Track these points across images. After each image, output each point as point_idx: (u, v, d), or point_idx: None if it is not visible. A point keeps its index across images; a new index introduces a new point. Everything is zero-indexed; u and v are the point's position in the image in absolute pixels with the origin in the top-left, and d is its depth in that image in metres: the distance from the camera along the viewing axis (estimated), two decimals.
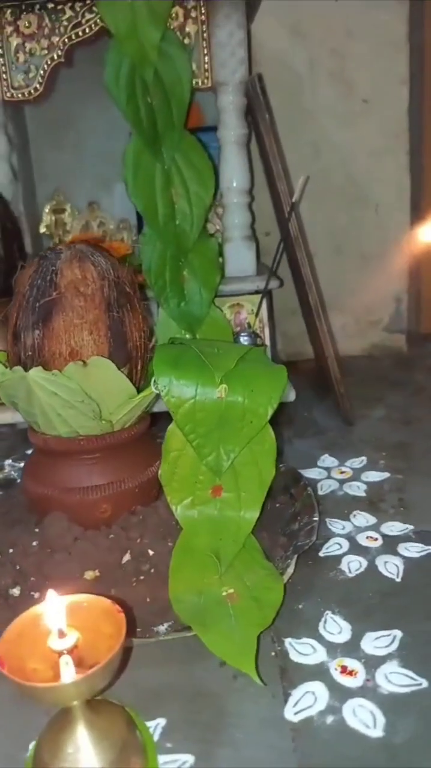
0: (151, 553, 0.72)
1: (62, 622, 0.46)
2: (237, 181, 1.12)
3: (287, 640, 0.63)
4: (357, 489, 0.92)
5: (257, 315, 1.09)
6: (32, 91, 1.07)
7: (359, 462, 1.01)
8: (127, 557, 0.71)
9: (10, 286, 1.01)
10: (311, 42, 1.33)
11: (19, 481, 0.98)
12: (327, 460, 1.02)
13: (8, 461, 1.02)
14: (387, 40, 1.34)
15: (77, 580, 0.69)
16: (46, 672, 0.47)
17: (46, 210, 1.37)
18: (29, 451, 1.03)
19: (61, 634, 0.46)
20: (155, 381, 0.72)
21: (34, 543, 0.73)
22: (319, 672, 0.59)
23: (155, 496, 0.80)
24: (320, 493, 0.92)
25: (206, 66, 1.06)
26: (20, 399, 0.72)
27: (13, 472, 1.00)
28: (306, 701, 0.56)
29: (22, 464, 1.01)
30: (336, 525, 0.84)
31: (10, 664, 0.45)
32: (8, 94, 1.07)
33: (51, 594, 0.48)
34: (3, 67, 1.06)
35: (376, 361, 1.50)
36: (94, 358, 0.68)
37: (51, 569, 0.70)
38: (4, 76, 1.06)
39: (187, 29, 1.05)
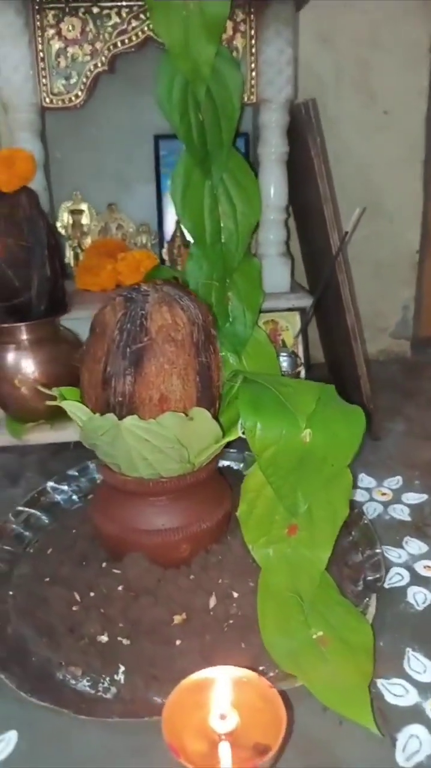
0: (235, 594, 0.74)
1: (227, 703, 0.48)
2: (275, 197, 1.12)
3: (380, 681, 0.67)
4: (401, 512, 0.97)
5: (298, 335, 1.10)
6: (73, 98, 1.03)
7: (395, 482, 1.05)
8: (213, 600, 0.73)
9: (56, 302, 1.00)
10: (337, 50, 1.32)
11: (62, 503, 0.97)
12: (365, 479, 1.06)
13: (50, 483, 1.01)
14: (409, 52, 1.34)
15: (167, 626, 0.70)
16: (201, 745, 0.49)
17: (64, 210, 1.32)
18: (71, 471, 1.02)
19: (223, 716, 0.47)
20: (241, 424, 0.73)
21: (120, 587, 0.74)
22: (416, 713, 0.63)
23: (225, 531, 0.81)
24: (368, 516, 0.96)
25: (251, 82, 1.04)
26: (104, 443, 0.72)
27: (56, 496, 0.99)
28: (413, 746, 0.60)
29: (65, 487, 1.00)
30: (392, 553, 0.87)
31: (171, 736, 0.47)
32: (47, 100, 1.02)
33: (219, 670, 0.49)
34: (43, 72, 1.00)
35: (383, 366, 1.54)
36: (195, 410, 0.68)
37: (138, 614, 0.71)
38: (44, 81, 1.01)
39: (235, 43, 1.03)
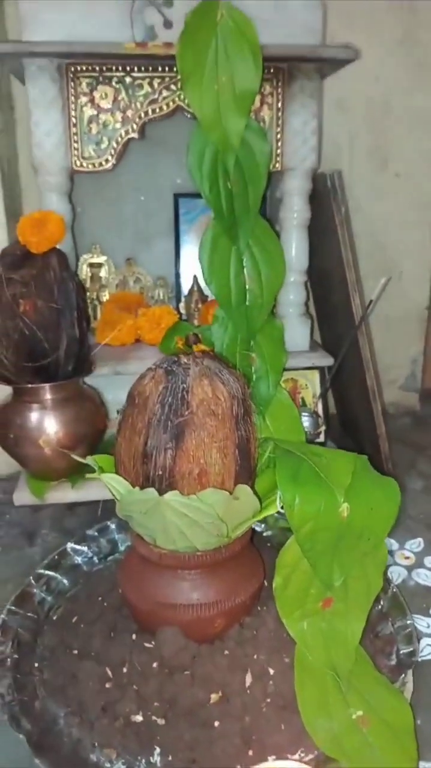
0: (271, 671, 0.73)
1: None
2: (297, 260, 1.14)
3: (422, 765, 0.66)
4: (426, 578, 0.96)
5: (322, 395, 1.11)
6: (103, 162, 1.05)
7: (417, 544, 1.05)
8: (249, 678, 0.72)
9: (81, 361, 1.00)
10: (353, 116, 1.37)
11: (83, 566, 0.96)
12: (386, 542, 1.06)
13: (70, 545, 0.99)
14: (421, 119, 1.39)
15: (204, 706, 0.69)
16: None
17: (83, 263, 1.34)
18: (90, 532, 1.01)
19: None
20: (280, 498, 0.73)
21: (155, 664, 0.72)
22: None
23: (257, 603, 0.81)
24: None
25: (277, 151, 1.08)
26: (141, 515, 0.71)
27: (77, 557, 0.97)
28: None
29: (85, 548, 0.98)
30: (421, 622, 0.87)
31: None
32: (78, 164, 1.04)
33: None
34: (75, 137, 1.03)
35: (394, 419, 1.56)
36: (240, 488, 0.69)
37: (174, 693, 0.70)
38: (75, 146, 1.03)
39: (262, 114, 1.06)
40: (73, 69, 0.99)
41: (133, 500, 0.70)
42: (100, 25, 0.98)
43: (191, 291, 1.34)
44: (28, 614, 0.85)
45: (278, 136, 1.06)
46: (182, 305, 1.34)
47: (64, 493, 1.03)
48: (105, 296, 1.34)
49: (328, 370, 1.17)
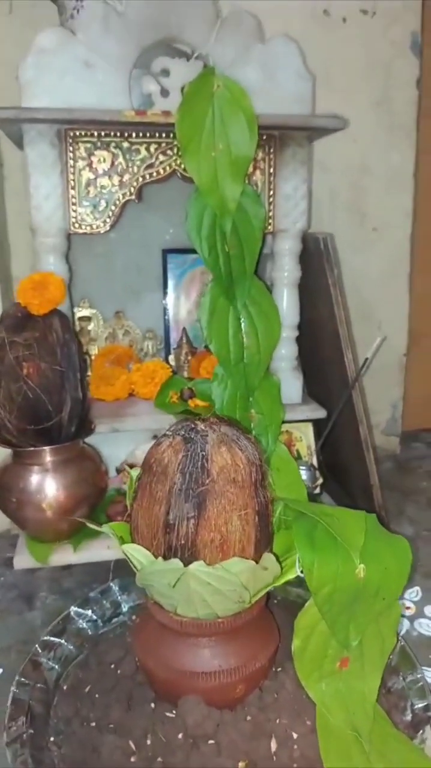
0: (294, 735, 0.73)
1: None
2: (288, 316, 1.17)
3: None
4: (428, 628, 0.99)
5: (318, 448, 1.14)
6: (101, 224, 1.06)
7: (415, 593, 1.07)
8: (274, 744, 0.72)
9: (82, 421, 1.00)
10: (333, 175, 1.43)
11: (88, 630, 0.94)
12: None
13: (74, 609, 0.97)
14: (396, 176, 1.47)
15: None
16: None
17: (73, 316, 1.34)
18: (93, 594, 1.00)
19: None
20: (298, 562, 0.74)
21: (180, 735, 0.72)
22: None
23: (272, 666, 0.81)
24: None
25: (269, 213, 1.12)
26: (162, 585, 0.71)
27: (81, 622, 0.96)
28: None
29: (89, 612, 0.97)
30: (429, 674, 0.89)
31: None
32: (76, 226, 1.05)
33: None
34: (73, 200, 1.04)
35: (378, 465, 1.59)
36: (266, 557, 0.70)
37: (201, 763, 0.69)
38: (73, 208, 1.05)
39: (254, 178, 1.10)
40: (72, 134, 1.02)
41: (155, 571, 0.70)
42: (99, 92, 1.01)
43: (180, 343, 1.36)
44: (38, 685, 0.83)
45: (271, 199, 1.10)
46: (171, 357, 1.36)
47: (64, 556, 1.02)
48: (94, 349, 1.35)
49: (322, 422, 1.20)
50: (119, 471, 1.11)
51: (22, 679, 0.83)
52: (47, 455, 0.97)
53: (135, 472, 0.89)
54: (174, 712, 0.76)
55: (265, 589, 0.75)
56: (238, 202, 1.01)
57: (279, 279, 1.15)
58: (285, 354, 1.19)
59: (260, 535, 0.74)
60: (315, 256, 1.12)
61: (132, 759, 0.71)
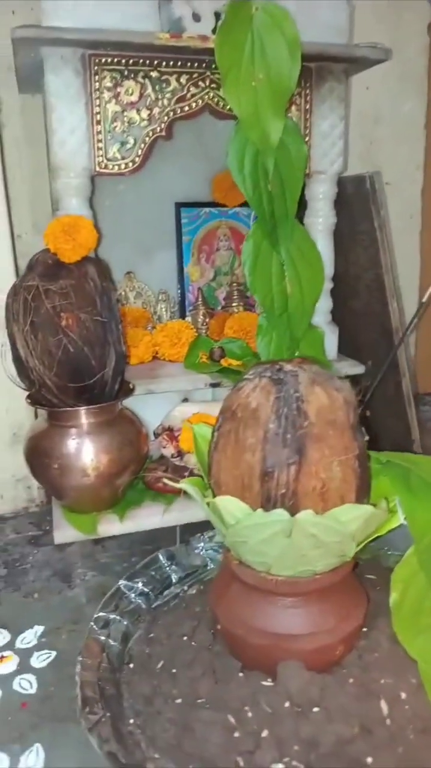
0: (403, 695, 0.68)
1: None
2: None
3: None
4: None
5: (363, 404, 1.08)
6: (129, 164, 0.97)
7: None
8: (384, 705, 0.66)
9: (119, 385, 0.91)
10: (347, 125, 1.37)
11: (141, 604, 0.86)
12: None
13: (122, 582, 0.89)
14: (407, 127, 1.43)
15: (350, 743, 0.63)
16: None
17: None
18: (139, 566, 0.92)
19: None
20: (400, 509, 0.69)
21: (286, 703, 0.65)
22: None
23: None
24: None
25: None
26: (257, 541, 0.65)
27: (134, 596, 0.88)
28: None
29: (139, 584, 0.89)
30: None
31: None
32: (102, 165, 0.96)
33: None
34: (99, 136, 0.94)
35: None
36: (381, 502, 0.63)
37: (313, 732, 0.63)
38: (99, 145, 0.95)
39: (290, 116, 1.03)
40: (97, 61, 0.91)
41: (254, 524, 0.63)
42: (125, 15, 0.91)
43: (195, 305, 1.28)
44: (103, 665, 0.75)
45: (307, 139, 1.03)
46: (187, 320, 1.28)
47: (110, 526, 0.93)
48: None
49: (359, 378, 1.15)
50: (156, 435, 1.03)
51: (86, 660, 0.75)
52: (89, 416, 0.88)
53: (200, 427, 0.82)
54: (269, 680, 0.69)
55: (367, 540, 0.69)
56: (280, 136, 0.94)
57: (313, 226, 1.09)
58: (320, 307, 1.13)
59: (361, 483, 0.68)
60: (355, 199, 1.06)
61: (236, 734, 0.64)
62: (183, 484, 0.70)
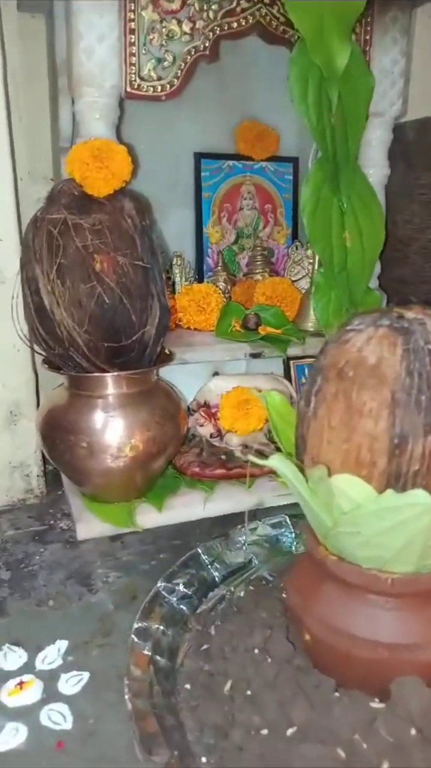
0: None
1: None
2: None
3: None
4: None
5: None
6: (167, 86, 0.82)
7: None
8: None
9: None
10: None
11: (185, 610, 0.71)
12: None
13: (161, 584, 0.74)
14: None
15: None
16: None
17: None
18: (176, 566, 0.77)
19: None
20: None
21: (412, 731, 0.52)
22: None
23: None
24: None
25: None
26: (377, 532, 0.51)
27: (176, 601, 0.72)
28: None
29: (180, 586, 0.74)
30: None
31: None
32: (135, 85, 0.80)
33: None
34: (132, 48, 0.78)
35: None
36: None
37: None
38: (132, 60, 0.79)
39: None
40: None
41: (379, 509, 0.50)
42: None
43: (215, 270, 1.13)
44: (155, 688, 0.60)
45: None
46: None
47: (147, 517, 0.78)
48: None
49: None
50: (192, 412, 0.88)
51: (134, 683, 0.60)
52: (123, 385, 0.72)
53: (273, 397, 0.67)
54: (377, 700, 0.56)
55: None
56: (346, 63, 0.80)
57: (365, 175, 0.96)
58: None
59: None
60: (417, 147, 0.94)
61: None
62: (274, 461, 0.55)
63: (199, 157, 1.11)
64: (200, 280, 1.14)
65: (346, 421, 0.53)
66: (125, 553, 0.86)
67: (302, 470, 0.57)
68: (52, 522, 0.94)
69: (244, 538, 0.84)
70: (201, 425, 0.85)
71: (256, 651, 0.63)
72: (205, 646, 0.67)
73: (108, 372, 0.70)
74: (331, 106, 0.80)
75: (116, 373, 0.70)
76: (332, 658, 0.58)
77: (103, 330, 0.68)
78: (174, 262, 1.14)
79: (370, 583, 0.55)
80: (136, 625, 0.67)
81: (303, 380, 0.95)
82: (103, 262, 0.68)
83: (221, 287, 1.11)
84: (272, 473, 0.84)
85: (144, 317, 0.70)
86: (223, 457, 0.87)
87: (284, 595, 0.71)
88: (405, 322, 0.54)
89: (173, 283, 1.13)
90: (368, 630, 0.55)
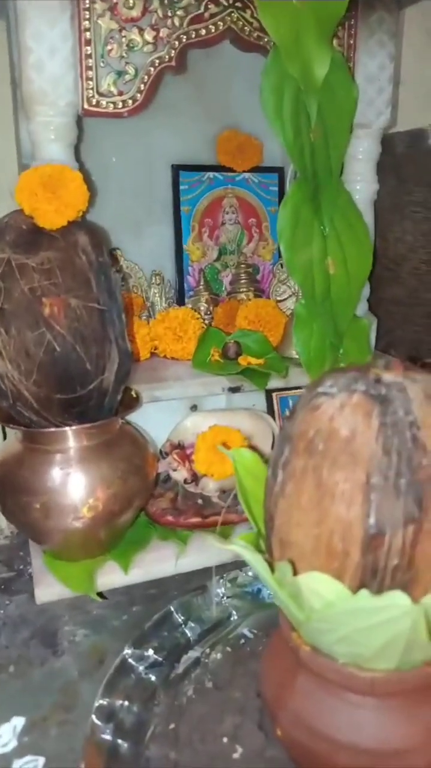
0: None
1: None
2: None
3: None
4: None
5: None
6: (128, 101, 0.74)
7: None
8: None
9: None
10: None
11: (153, 680, 0.65)
12: None
13: (127, 651, 0.68)
14: None
15: None
16: None
17: None
18: (147, 626, 0.71)
19: None
20: None
21: None
22: None
23: None
24: None
25: None
26: (352, 629, 0.45)
27: (144, 670, 0.66)
28: None
29: (149, 651, 0.68)
30: None
31: None
32: (93, 102, 0.72)
33: None
34: (89, 61, 0.71)
35: None
36: None
37: None
38: (89, 74, 0.71)
39: None
40: None
41: (353, 610, 0.43)
42: None
43: (196, 289, 1.06)
44: None
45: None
46: (187, 307, 1.06)
47: (109, 578, 0.71)
48: None
49: None
50: (164, 454, 0.81)
51: None
52: (81, 438, 0.65)
53: (241, 454, 0.61)
54: None
55: None
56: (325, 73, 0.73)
57: (350, 193, 0.88)
58: None
59: None
60: (407, 160, 0.86)
61: None
62: (235, 547, 0.49)
63: (177, 169, 1.03)
64: (181, 300, 1.07)
65: (316, 501, 0.46)
66: (95, 606, 0.80)
67: (271, 551, 0.51)
68: (21, 567, 0.88)
69: (222, 590, 0.78)
70: (175, 470, 0.78)
71: (225, 740, 0.57)
72: (172, 725, 0.61)
73: (62, 426, 0.64)
74: (310, 121, 0.73)
75: (71, 427, 0.64)
76: (308, 758, 0.51)
77: (54, 381, 0.62)
78: (153, 282, 1.07)
79: (348, 682, 0.48)
80: (97, 703, 0.61)
81: (287, 413, 0.88)
82: (53, 305, 0.61)
83: (202, 308, 1.04)
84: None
85: (101, 364, 0.63)
86: (199, 501, 0.80)
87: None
88: (383, 387, 0.47)
89: (152, 305, 1.06)
90: (349, 733, 0.49)
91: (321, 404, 0.48)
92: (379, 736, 0.49)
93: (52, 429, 0.64)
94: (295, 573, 0.46)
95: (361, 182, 0.88)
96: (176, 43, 0.74)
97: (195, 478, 0.79)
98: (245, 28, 0.76)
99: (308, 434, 0.47)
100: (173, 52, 0.74)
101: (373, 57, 0.82)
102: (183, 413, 0.87)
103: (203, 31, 0.75)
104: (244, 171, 1.04)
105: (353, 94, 0.77)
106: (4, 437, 0.83)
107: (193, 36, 0.74)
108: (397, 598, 0.41)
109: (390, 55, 0.83)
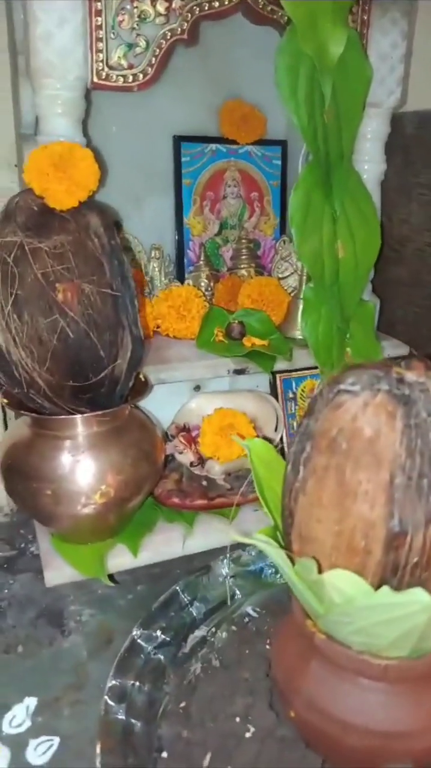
0: None
1: None
2: None
3: None
4: None
5: None
6: (140, 75, 0.72)
7: None
8: None
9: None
10: None
11: (162, 660, 0.67)
12: None
13: (135, 632, 0.69)
14: None
15: None
16: None
17: None
18: (155, 607, 0.72)
19: None
20: None
21: None
22: None
23: None
24: None
25: None
26: (370, 623, 0.46)
27: (153, 650, 0.68)
28: None
29: (157, 632, 0.69)
30: None
31: None
32: (103, 75, 0.70)
33: None
34: (99, 32, 0.68)
35: None
36: None
37: None
38: (98, 46, 0.69)
39: None
40: None
41: (373, 606, 0.45)
42: None
43: (197, 265, 1.05)
44: (129, 760, 0.56)
45: None
46: (188, 283, 1.05)
47: (120, 561, 0.72)
48: None
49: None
50: (171, 437, 0.82)
51: (106, 755, 0.55)
52: (92, 424, 0.65)
53: (256, 444, 0.61)
54: None
55: None
56: (341, 52, 0.71)
57: (359, 175, 0.87)
58: None
59: None
60: (416, 141, 0.85)
61: None
62: (258, 542, 0.50)
63: (179, 140, 1.01)
64: (181, 275, 1.06)
65: (339, 500, 0.47)
66: (101, 586, 0.81)
67: (289, 545, 0.52)
68: (22, 545, 0.88)
69: (226, 570, 0.79)
70: (181, 452, 0.79)
71: (237, 719, 0.59)
72: (183, 704, 0.63)
73: (74, 413, 0.63)
74: (323, 102, 0.71)
75: (83, 414, 0.63)
76: (320, 739, 0.54)
77: (67, 368, 0.61)
78: (152, 256, 1.05)
79: (362, 668, 0.50)
80: (110, 683, 0.63)
81: (290, 395, 0.89)
82: (67, 291, 0.60)
83: (203, 284, 1.03)
84: (257, 501, 0.79)
85: (114, 351, 0.63)
86: (204, 483, 0.81)
87: (267, 647, 0.67)
88: (406, 387, 0.47)
89: (151, 280, 1.05)
90: (361, 716, 0.51)
91: (344, 402, 0.48)
92: (389, 719, 0.51)
93: (63, 416, 0.63)
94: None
95: (369, 162, 0.86)
96: (189, 15, 0.71)
97: (201, 460, 0.79)
98: (259, 0, 0.73)
99: (330, 432, 0.48)
100: (186, 24, 0.71)
101: (386, 34, 0.80)
102: (187, 394, 0.87)
103: (217, 3, 0.72)
104: (247, 143, 1.02)
105: (367, 73, 0.75)
106: (5, 427, 0.82)
107: (206, 8, 0.72)
108: (418, 595, 0.42)
109: (403, 32, 0.81)
